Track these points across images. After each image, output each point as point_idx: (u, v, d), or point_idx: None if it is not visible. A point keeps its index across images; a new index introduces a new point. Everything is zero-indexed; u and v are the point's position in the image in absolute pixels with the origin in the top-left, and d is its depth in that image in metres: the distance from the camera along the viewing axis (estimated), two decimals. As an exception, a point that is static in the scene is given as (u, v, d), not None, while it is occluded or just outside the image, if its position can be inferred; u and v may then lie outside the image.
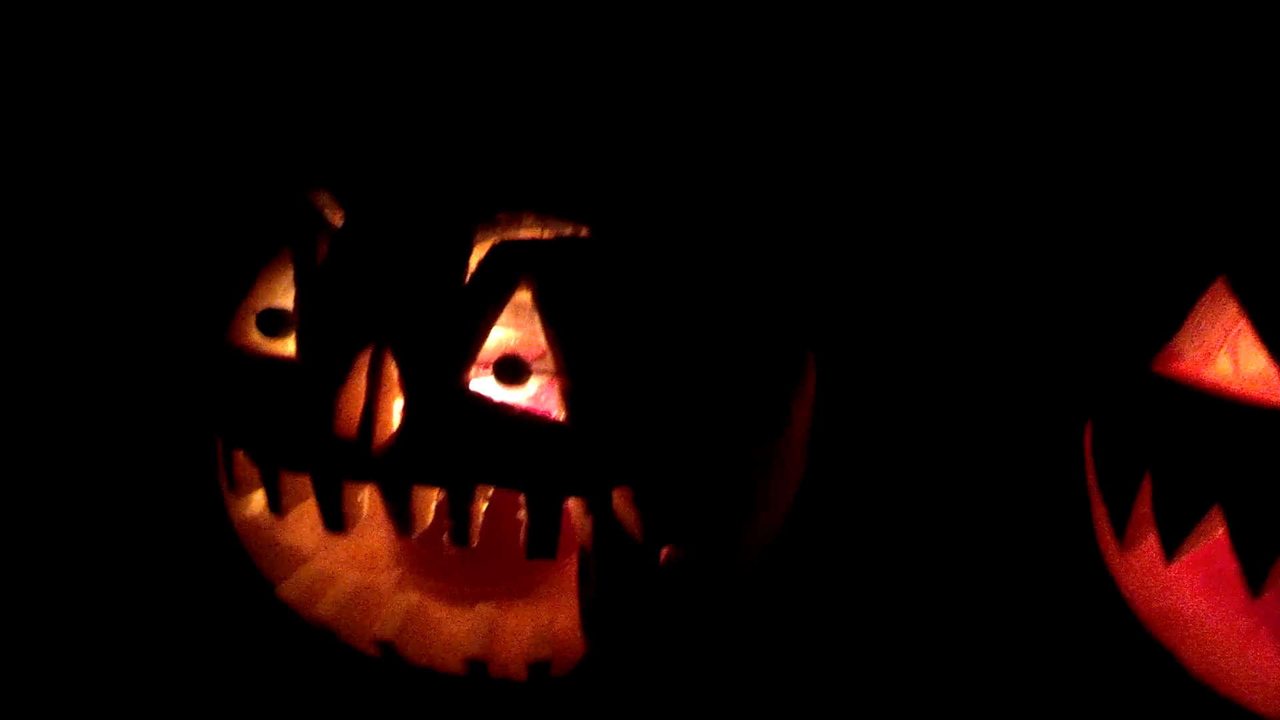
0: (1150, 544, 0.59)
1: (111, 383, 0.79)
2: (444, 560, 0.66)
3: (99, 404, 0.79)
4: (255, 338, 0.61)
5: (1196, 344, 0.57)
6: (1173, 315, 0.57)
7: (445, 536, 0.59)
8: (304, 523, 0.65)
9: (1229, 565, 0.55)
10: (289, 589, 0.66)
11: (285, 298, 0.61)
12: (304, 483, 0.60)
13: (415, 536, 0.59)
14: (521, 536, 0.59)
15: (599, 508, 0.58)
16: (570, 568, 0.62)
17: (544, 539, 0.58)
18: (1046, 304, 0.72)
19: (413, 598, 0.66)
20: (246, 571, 0.68)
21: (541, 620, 0.64)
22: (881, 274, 0.72)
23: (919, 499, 0.75)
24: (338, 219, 0.60)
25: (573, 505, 0.58)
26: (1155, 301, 0.58)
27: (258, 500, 0.65)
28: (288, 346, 0.60)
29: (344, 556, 0.69)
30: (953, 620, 0.69)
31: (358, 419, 0.57)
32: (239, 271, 0.62)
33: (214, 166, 0.73)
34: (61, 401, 0.79)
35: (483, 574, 0.66)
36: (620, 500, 0.58)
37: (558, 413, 0.57)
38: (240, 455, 0.63)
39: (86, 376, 0.79)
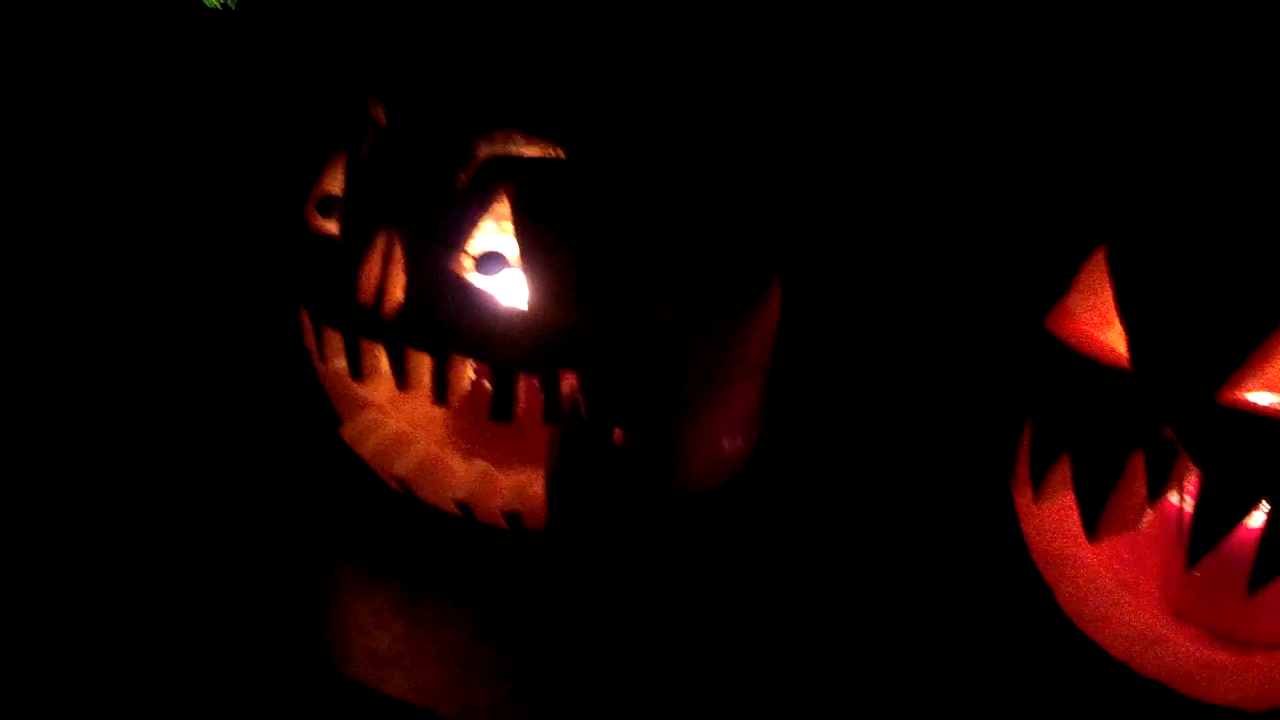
0: (1029, 486, 0.64)
1: (237, 254, 0.99)
2: (475, 426, 0.79)
3: (229, 270, 1.00)
4: (316, 218, 0.75)
5: (1088, 306, 0.61)
6: (1061, 277, 0.61)
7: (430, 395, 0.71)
8: (381, 381, 0.78)
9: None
10: (348, 429, 0.81)
11: (338, 186, 0.74)
12: (337, 337, 0.74)
13: (409, 391, 0.72)
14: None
15: (548, 386, 0.69)
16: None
17: (502, 405, 0.70)
18: (983, 258, 0.77)
19: (433, 449, 0.79)
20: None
21: (522, 481, 0.76)
22: (841, 216, 0.79)
23: (869, 437, 0.82)
24: (383, 121, 0.73)
25: (532, 382, 0.70)
26: (1049, 262, 0.62)
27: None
28: (334, 226, 0.74)
29: (406, 413, 0.82)
30: (884, 543, 0.76)
31: (373, 289, 0.71)
32: (314, 163, 0.77)
33: (303, 82, 0.91)
34: (194, 263, 1.00)
35: (495, 440, 0.78)
36: (573, 383, 0.69)
37: (523, 303, 0.68)
38: (304, 311, 0.78)
39: (210, 247, 1.00)
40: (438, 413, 0.81)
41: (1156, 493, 0.55)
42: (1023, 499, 0.65)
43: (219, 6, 1.07)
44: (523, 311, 0.68)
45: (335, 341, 0.75)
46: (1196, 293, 0.54)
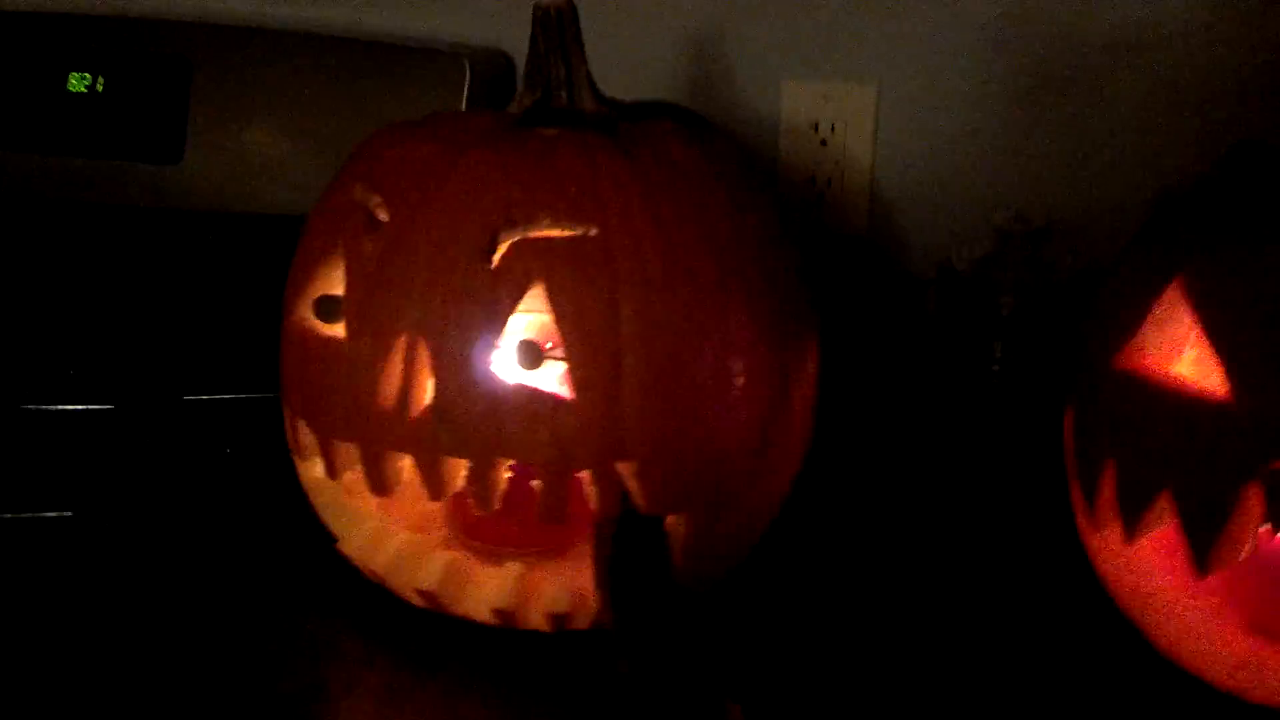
0: (1117, 525, 0.63)
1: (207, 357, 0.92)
2: (484, 522, 0.74)
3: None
4: (313, 321, 0.69)
5: (1159, 340, 0.61)
6: (1135, 313, 0.61)
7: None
8: (364, 486, 0.73)
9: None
10: (349, 544, 0.75)
11: (338, 286, 0.69)
12: (353, 450, 0.68)
13: (446, 499, 0.67)
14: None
15: (603, 478, 0.65)
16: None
17: (553, 507, 0.65)
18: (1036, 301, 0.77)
19: (453, 555, 0.73)
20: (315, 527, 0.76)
21: (565, 578, 0.71)
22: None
23: (915, 480, 0.81)
24: (385, 217, 0.68)
25: (582, 476, 0.65)
26: (1120, 299, 0.62)
27: (319, 464, 0.73)
28: (339, 329, 0.68)
29: (399, 516, 0.76)
30: (940, 593, 0.74)
31: (395, 395, 0.65)
32: (302, 264, 0.71)
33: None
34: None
35: (517, 536, 0.73)
36: (625, 471, 0.65)
37: (567, 393, 0.64)
38: (301, 424, 0.71)
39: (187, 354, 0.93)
40: (435, 508, 0.76)
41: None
42: (1105, 540, 0.64)
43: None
44: (568, 402, 0.64)
45: (348, 453, 0.69)
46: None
